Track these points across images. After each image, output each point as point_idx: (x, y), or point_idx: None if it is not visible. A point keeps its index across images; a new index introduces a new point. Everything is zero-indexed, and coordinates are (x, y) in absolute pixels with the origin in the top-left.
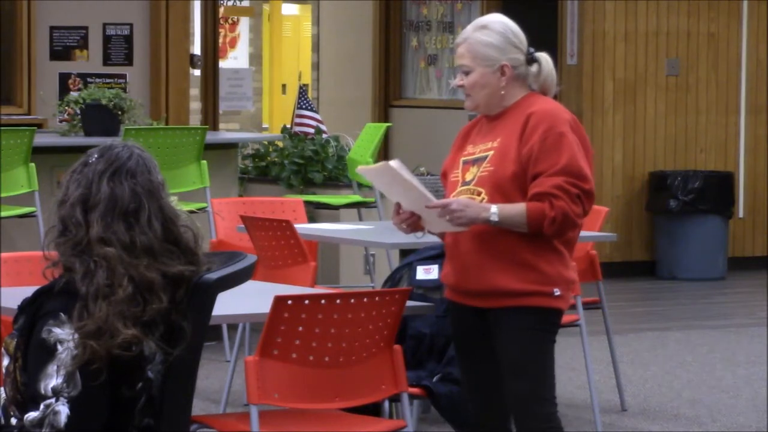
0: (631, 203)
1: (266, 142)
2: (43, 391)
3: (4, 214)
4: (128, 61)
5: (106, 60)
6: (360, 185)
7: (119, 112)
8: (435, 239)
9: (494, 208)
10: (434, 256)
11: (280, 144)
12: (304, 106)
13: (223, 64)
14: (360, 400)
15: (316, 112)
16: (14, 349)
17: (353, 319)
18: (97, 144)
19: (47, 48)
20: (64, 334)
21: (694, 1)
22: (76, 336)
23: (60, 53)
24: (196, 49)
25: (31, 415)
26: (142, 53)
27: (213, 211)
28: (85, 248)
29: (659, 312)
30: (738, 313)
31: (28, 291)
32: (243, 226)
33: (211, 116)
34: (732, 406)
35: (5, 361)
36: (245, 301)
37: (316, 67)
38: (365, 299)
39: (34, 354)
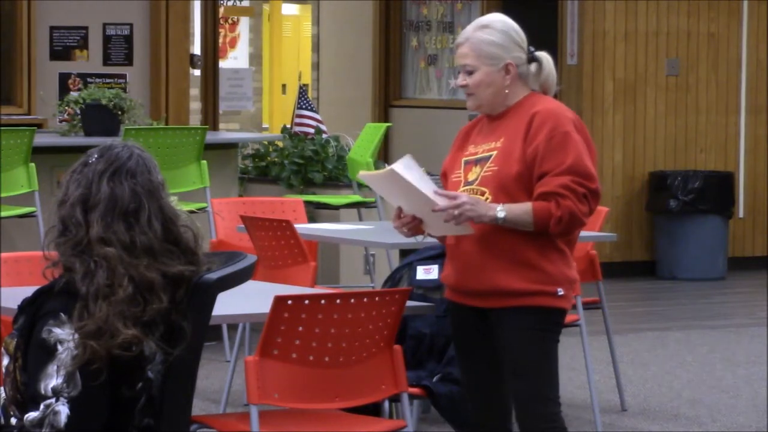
0: (631, 203)
1: (266, 142)
2: (43, 391)
3: (4, 214)
4: (128, 61)
5: (106, 60)
6: (360, 185)
7: (119, 112)
8: (435, 241)
9: (501, 207)
10: (434, 256)
11: (280, 144)
12: (304, 106)
13: (223, 64)
14: (360, 400)
15: (316, 112)
16: (14, 348)
17: (353, 319)
18: (97, 144)
19: (47, 48)
20: (64, 334)
21: (694, 1)
22: (76, 336)
23: (60, 53)
24: (196, 49)
25: (31, 415)
26: (142, 53)
27: (213, 211)
28: (85, 248)
29: (659, 312)
30: (738, 313)
31: (28, 291)
32: (243, 226)
33: (211, 116)
34: (732, 406)
35: (5, 361)
36: (245, 301)
37: (316, 67)
38: (365, 299)
39: (34, 354)
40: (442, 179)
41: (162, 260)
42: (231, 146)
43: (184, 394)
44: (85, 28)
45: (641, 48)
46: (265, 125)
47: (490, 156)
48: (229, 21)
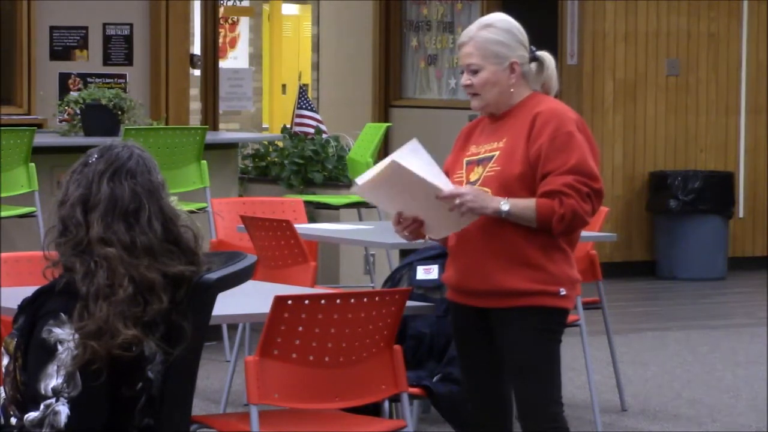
0: (631, 203)
1: (266, 142)
2: (43, 391)
3: (4, 214)
4: (128, 61)
5: (106, 60)
6: None
7: (119, 112)
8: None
9: (505, 200)
10: (434, 256)
11: (280, 144)
12: (304, 106)
13: (223, 64)
14: (360, 400)
15: (316, 112)
16: (14, 348)
17: (353, 319)
18: (97, 144)
19: (47, 48)
20: (64, 334)
21: (694, 1)
22: (77, 336)
23: (60, 53)
24: (196, 49)
25: (31, 415)
26: (142, 53)
27: (213, 211)
28: (85, 248)
29: (659, 312)
30: (738, 313)
31: (28, 291)
32: (243, 226)
33: (211, 116)
34: (732, 406)
35: (5, 361)
36: (245, 301)
37: (316, 67)
38: (365, 299)
39: (34, 354)
40: None
41: (162, 260)
42: (231, 146)
43: (184, 395)
44: (85, 28)
45: (641, 48)
46: (265, 125)
47: (493, 156)
48: (229, 21)
